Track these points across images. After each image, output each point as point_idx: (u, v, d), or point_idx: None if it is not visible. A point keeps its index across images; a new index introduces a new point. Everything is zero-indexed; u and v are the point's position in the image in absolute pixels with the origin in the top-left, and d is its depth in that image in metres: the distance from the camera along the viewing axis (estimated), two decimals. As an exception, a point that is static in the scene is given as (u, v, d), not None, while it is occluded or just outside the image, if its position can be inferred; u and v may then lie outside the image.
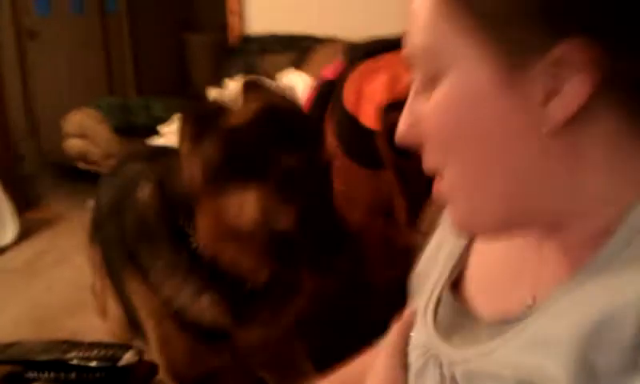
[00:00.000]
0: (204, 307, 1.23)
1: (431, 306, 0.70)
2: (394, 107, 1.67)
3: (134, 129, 2.87)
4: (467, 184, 0.57)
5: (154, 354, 1.31)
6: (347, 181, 1.73)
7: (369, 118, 1.74)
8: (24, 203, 3.77)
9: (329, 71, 2.14)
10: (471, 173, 0.56)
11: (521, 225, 0.59)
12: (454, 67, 0.53)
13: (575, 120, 0.51)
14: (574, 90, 0.49)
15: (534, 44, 0.50)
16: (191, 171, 1.16)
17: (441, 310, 0.69)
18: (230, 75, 2.92)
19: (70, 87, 4.60)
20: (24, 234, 3.51)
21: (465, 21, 0.52)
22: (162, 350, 1.30)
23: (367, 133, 1.73)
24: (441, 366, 0.63)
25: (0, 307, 2.73)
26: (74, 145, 2.86)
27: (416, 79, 0.58)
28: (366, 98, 1.80)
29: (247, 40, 3.18)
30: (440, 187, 0.59)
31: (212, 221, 1.17)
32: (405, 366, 0.69)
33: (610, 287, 0.50)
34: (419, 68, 0.57)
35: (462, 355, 0.61)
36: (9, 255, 3.35)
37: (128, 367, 1.14)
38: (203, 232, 1.18)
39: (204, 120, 1.16)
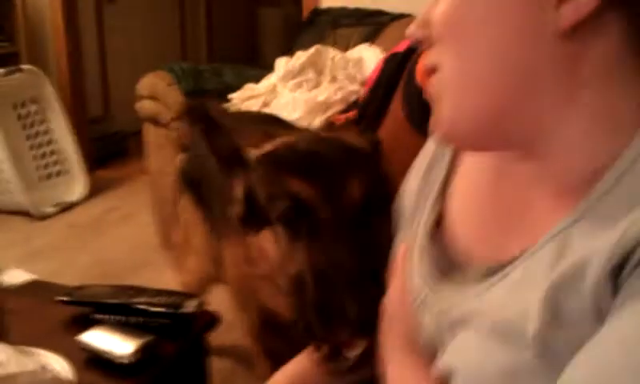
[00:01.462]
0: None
1: (417, 250, 0.71)
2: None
3: (204, 93, 2.91)
4: (459, 79, 0.57)
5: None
6: (412, 156, 1.71)
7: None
8: (95, 162, 3.90)
9: (400, 47, 2.13)
10: (466, 66, 0.56)
11: (501, 140, 0.58)
12: None
13: (582, 28, 0.51)
14: None
15: None
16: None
17: (427, 255, 0.70)
18: (300, 48, 2.92)
19: (144, 51, 4.70)
20: (93, 192, 3.63)
21: None
22: (239, 314, 1.32)
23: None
24: (430, 313, 0.66)
25: (68, 260, 2.85)
26: (145, 106, 2.92)
27: None
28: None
29: (319, 13, 3.17)
30: (433, 82, 0.59)
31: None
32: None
33: (590, 233, 0.50)
34: None
35: (449, 302, 0.62)
36: (78, 211, 3.49)
37: (190, 315, 1.17)
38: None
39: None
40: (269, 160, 1.07)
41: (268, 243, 1.02)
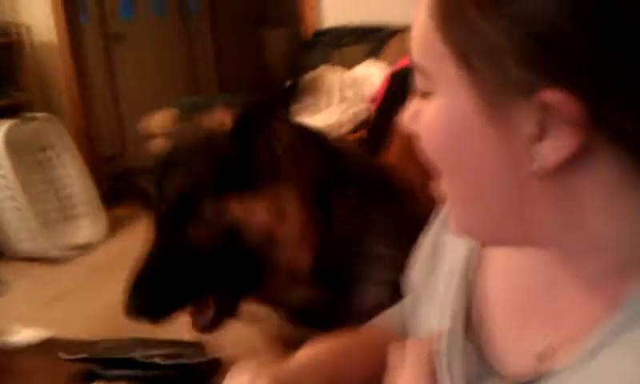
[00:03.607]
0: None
1: (449, 340, 0.65)
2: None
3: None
4: (456, 197, 0.56)
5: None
6: (425, 171, 1.68)
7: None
8: (113, 200, 3.92)
9: (405, 60, 2.10)
10: (459, 190, 0.55)
11: (516, 242, 0.56)
12: (441, 91, 0.51)
13: (569, 165, 0.47)
14: (564, 138, 0.46)
15: (520, 83, 0.46)
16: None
17: (462, 352, 0.64)
18: (307, 68, 2.92)
19: (155, 87, 4.73)
20: (112, 230, 3.65)
21: (450, 48, 0.49)
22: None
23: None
24: None
25: (87, 303, 2.85)
26: (157, 144, 2.92)
27: (417, 81, 0.56)
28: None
29: (321, 33, 3.17)
30: (436, 187, 0.58)
31: None
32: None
33: (631, 359, 0.46)
34: (417, 77, 0.55)
35: None
36: (97, 252, 3.51)
37: (192, 365, 1.15)
38: None
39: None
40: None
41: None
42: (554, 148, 0.46)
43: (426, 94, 0.53)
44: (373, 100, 2.55)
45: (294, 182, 1.13)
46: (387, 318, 0.91)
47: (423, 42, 0.52)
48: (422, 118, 0.54)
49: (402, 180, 1.39)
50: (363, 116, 2.59)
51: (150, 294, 1.11)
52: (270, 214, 1.10)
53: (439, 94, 0.52)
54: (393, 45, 2.76)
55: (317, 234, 1.15)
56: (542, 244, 0.54)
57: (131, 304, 1.10)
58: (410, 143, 1.69)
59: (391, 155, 1.83)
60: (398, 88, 2.07)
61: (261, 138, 1.12)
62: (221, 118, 1.17)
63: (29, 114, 3.58)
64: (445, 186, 0.56)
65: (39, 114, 3.62)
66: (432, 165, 0.56)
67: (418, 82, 0.54)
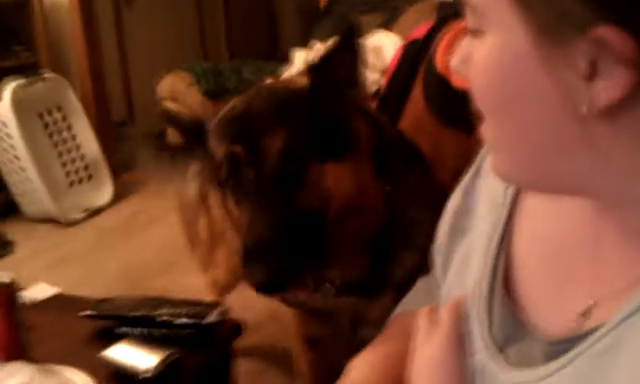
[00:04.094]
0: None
1: (482, 303, 0.65)
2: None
3: (225, 92, 2.90)
4: (502, 139, 0.56)
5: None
6: (435, 143, 1.67)
7: (461, 79, 1.67)
8: (121, 165, 3.92)
9: (419, 32, 2.07)
10: (506, 132, 0.55)
11: (558, 190, 0.57)
12: (494, 28, 0.51)
13: (621, 108, 0.46)
14: (616, 78, 0.45)
15: (575, 19, 0.45)
16: None
17: (495, 313, 0.64)
18: (319, 37, 2.89)
19: (164, 53, 4.68)
20: (119, 196, 3.65)
21: None
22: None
23: (459, 94, 1.67)
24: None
25: (96, 266, 2.86)
26: (166, 107, 2.91)
27: (468, 21, 0.56)
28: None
29: (335, 1, 3.13)
30: (482, 131, 0.58)
31: None
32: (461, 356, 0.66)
33: None
34: (468, 16, 0.55)
35: (513, 379, 0.58)
36: (106, 215, 3.50)
37: (214, 325, 1.15)
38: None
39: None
40: (214, 128, 1.14)
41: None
42: (606, 87, 0.46)
43: (476, 33, 0.53)
44: (385, 71, 2.52)
45: (365, 153, 1.13)
46: (414, 298, 0.91)
47: None
48: (473, 58, 0.54)
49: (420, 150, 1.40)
50: (374, 87, 2.57)
51: (278, 265, 1.02)
52: (353, 183, 1.09)
53: (492, 31, 0.51)
54: (408, 16, 2.73)
55: (381, 203, 1.15)
56: (582, 192, 0.54)
57: (259, 276, 1.01)
58: (421, 115, 1.69)
59: (404, 125, 1.83)
60: (412, 61, 2.05)
61: (340, 93, 1.11)
62: (295, 79, 1.17)
63: (36, 74, 3.52)
64: (490, 130, 0.56)
65: (47, 74, 3.57)
66: (478, 108, 0.56)
67: (469, 20, 0.54)
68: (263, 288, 1.01)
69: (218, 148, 1.11)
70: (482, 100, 0.55)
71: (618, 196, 0.52)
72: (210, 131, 1.15)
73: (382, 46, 2.68)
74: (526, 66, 0.50)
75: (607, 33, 0.44)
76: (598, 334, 0.51)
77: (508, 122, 0.53)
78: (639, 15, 0.44)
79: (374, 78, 2.56)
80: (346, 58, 1.12)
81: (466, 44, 0.56)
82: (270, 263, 1.00)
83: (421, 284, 0.92)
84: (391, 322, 0.89)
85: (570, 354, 0.52)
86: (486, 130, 0.57)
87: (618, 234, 0.53)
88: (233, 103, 1.16)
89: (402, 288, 0.98)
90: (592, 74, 0.46)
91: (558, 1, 0.46)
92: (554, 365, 0.54)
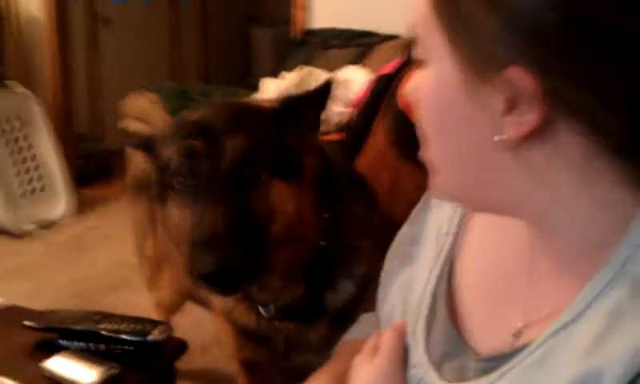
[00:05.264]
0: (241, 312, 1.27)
1: (422, 321, 0.69)
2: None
3: (189, 114, 2.90)
4: (439, 160, 0.61)
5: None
6: (394, 178, 1.70)
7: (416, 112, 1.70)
8: (83, 180, 3.87)
9: (389, 67, 2.10)
10: (441, 154, 0.60)
11: (492, 210, 0.61)
12: (434, 61, 0.57)
13: (534, 140, 0.51)
14: (525, 113, 0.50)
15: (493, 59, 0.51)
16: None
17: (435, 332, 0.68)
18: (290, 68, 2.90)
19: (135, 74, 4.67)
20: (78, 210, 3.59)
21: (443, 20, 0.54)
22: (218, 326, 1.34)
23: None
24: None
25: (44, 280, 2.79)
26: (130, 126, 2.90)
27: (417, 51, 0.61)
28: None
29: (310, 33, 3.17)
30: (421, 154, 0.63)
31: None
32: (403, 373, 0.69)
33: (602, 335, 0.49)
34: (417, 47, 0.60)
35: None
36: (59, 229, 3.43)
37: (157, 342, 1.13)
38: None
39: None
40: (166, 132, 1.15)
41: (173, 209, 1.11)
42: (517, 122, 0.51)
43: (422, 63, 0.59)
44: (354, 104, 2.55)
45: (309, 182, 1.15)
46: (359, 329, 0.93)
47: (422, 15, 0.57)
48: (420, 87, 0.59)
49: (375, 184, 1.44)
50: (337, 119, 2.59)
51: (227, 255, 1.00)
52: (293, 205, 1.10)
53: (431, 62, 0.57)
54: (379, 52, 2.77)
55: (318, 231, 1.18)
56: (516, 213, 0.59)
57: (207, 264, 0.99)
58: (382, 149, 1.72)
59: (366, 158, 1.85)
60: (378, 95, 2.08)
61: (300, 130, 1.15)
62: (257, 100, 1.20)
63: (2, 86, 3.49)
64: (430, 153, 0.61)
65: (9, 82, 3.55)
66: (422, 133, 0.61)
67: (417, 51, 0.60)
68: (209, 278, 1.00)
69: (168, 147, 1.11)
70: (423, 124, 0.60)
71: (550, 221, 0.55)
72: (158, 138, 1.16)
73: (351, 80, 2.71)
74: (456, 97, 0.54)
75: (515, 73, 0.49)
76: (526, 350, 0.55)
77: (442, 144, 0.59)
78: (542, 56, 0.48)
79: (338, 110, 2.59)
80: (315, 106, 1.18)
81: (418, 74, 0.61)
82: (218, 253, 0.99)
83: (365, 317, 0.94)
84: (340, 346, 0.91)
85: (500, 370, 0.56)
86: (426, 153, 0.61)
87: (549, 261, 0.57)
88: (186, 113, 1.20)
89: (338, 316, 0.99)
90: (508, 110, 0.51)
91: (479, 41, 0.51)
92: (484, 380, 0.58)
